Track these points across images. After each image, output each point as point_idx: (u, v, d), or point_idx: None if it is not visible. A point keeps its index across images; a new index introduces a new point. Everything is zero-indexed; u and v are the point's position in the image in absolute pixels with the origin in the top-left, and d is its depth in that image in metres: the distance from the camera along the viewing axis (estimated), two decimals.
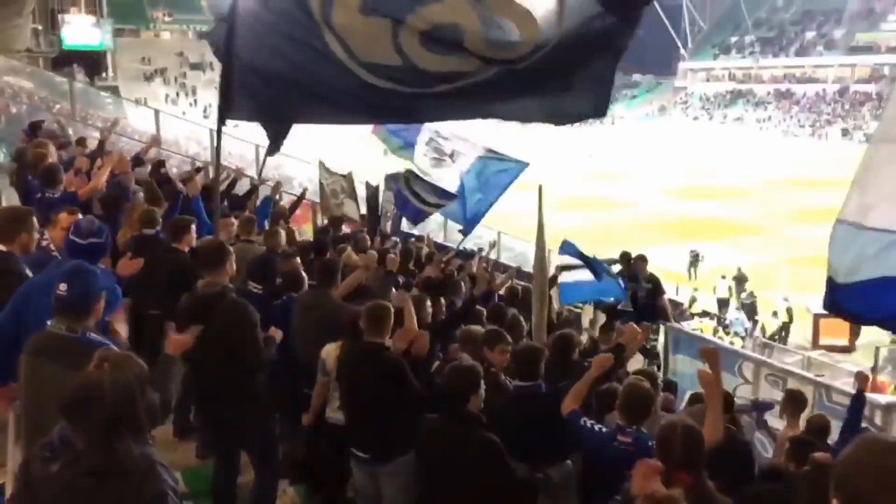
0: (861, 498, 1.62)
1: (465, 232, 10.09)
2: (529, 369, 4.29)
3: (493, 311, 6.34)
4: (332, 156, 13.94)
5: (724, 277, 20.82)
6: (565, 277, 9.29)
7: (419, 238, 11.90)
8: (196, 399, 4.75)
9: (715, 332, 16.08)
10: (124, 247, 5.50)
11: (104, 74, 67.46)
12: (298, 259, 6.07)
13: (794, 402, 5.82)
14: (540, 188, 6.86)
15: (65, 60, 50.09)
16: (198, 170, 10.04)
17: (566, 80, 4.29)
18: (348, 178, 11.29)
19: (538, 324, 6.70)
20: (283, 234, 6.71)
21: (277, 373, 4.58)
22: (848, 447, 1.71)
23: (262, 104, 4.80)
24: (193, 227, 5.53)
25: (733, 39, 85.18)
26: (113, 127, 10.23)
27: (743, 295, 19.91)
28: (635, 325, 5.34)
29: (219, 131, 5.19)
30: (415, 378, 4.03)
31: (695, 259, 22.94)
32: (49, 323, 3.00)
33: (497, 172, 9.35)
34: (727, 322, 18.29)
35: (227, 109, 4.84)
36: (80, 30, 53.47)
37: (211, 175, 6.79)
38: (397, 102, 4.62)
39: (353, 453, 4.21)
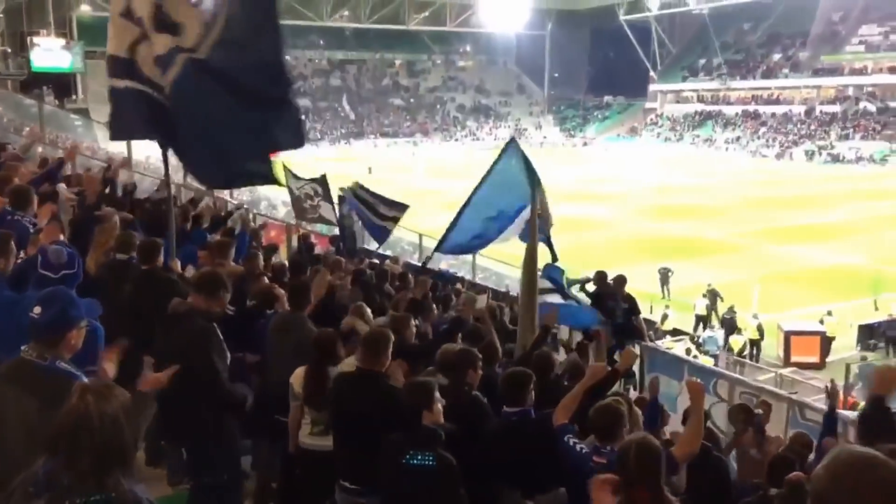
0: None
1: (444, 250, 9.79)
2: (518, 394, 4.26)
3: (470, 332, 6.31)
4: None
5: (704, 296, 21.01)
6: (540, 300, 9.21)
7: (390, 258, 11.87)
8: (162, 427, 4.66)
9: (688, 351, 16.17)
10: (97, 273, 5.41)
11: (74, 97, 66.89)
12: (267, 280, 6.03)
13: (744, 413, 6.03)
14: (533, 205, 6.88)
15: (34, 83, 49.66)
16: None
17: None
18: (322, 180, 11.12)
19: (524, 335, 6.70)
20: (260, 256, 6.66)
21: (256, 398, 4.53)
22: (822, 462, 1.71)
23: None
24: (163, 249, 5.43)
25: (701, 62, 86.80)
26: (74, 150, 10.02)
27: (723, 311, 20.06)
28: (632, 349, 5.36)
29: (164, 158, 5.43)
30: None
31: (665, 275, 23.10)
32: (23, 348, 2.90)
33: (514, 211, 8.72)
34: (700, 340, 18.43)
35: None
36: (49, 52, 53.06)
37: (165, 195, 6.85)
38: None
39: (340, 483, 4.15)
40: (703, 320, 20.39)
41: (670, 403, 7.43)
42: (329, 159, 48.92)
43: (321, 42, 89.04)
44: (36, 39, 52.46)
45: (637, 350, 9.53)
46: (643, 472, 2.93)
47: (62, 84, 59.81)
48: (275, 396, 4.74)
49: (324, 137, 74.90)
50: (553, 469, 3.94)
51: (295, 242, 11.09)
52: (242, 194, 13.82)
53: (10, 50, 42.16)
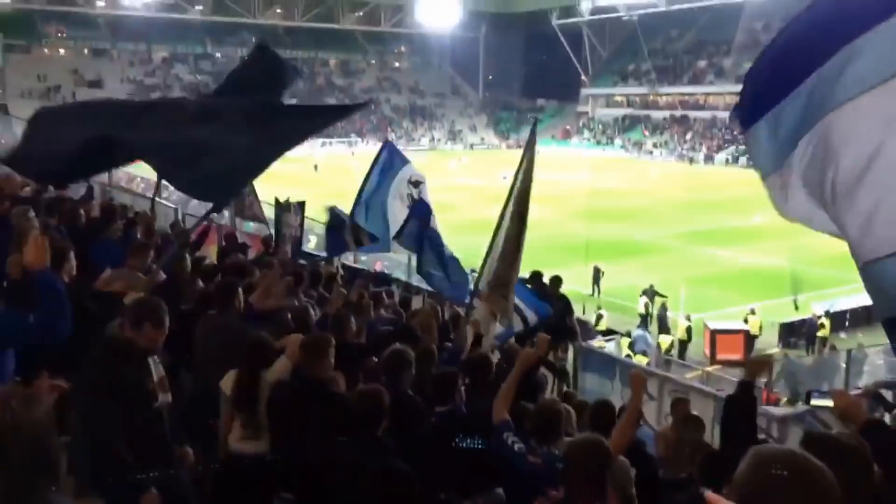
0: None
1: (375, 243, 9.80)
2: (446, 393, 4.27)
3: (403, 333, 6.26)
4: None
5: (642, 294, 21.49)
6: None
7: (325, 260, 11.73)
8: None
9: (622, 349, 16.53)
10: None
11: None
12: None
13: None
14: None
15: None
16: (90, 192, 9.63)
17: None
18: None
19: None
20: (188, 259, 6.47)
21: (190, 404, 4.41)
22: (742, 462, 1.71)
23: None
24: (72, 254, 5.19)
25: (631, 67, 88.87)
26: None
27: (656, 309, 20.56)
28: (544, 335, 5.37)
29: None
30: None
31: (596, 274, 23.59)
32: None
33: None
34: (632, 339, 18.82)
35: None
36: None
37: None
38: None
39: (280, 495, 4.07)
40: (643, 319, 20.78)
41: None
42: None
43: (252, 40, 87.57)
44: None
45: (570, 349, 9.70)
46: (588, 473, 2.97)
47: None
48: (202, 401, 4.63)
49: None
50: (485, 468, 3.95)
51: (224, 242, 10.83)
52: (173, 194, 13.44)
53: None
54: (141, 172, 18.86)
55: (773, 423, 7.10)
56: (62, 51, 79.96)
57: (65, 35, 79.92)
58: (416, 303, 9.96)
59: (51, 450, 2.07)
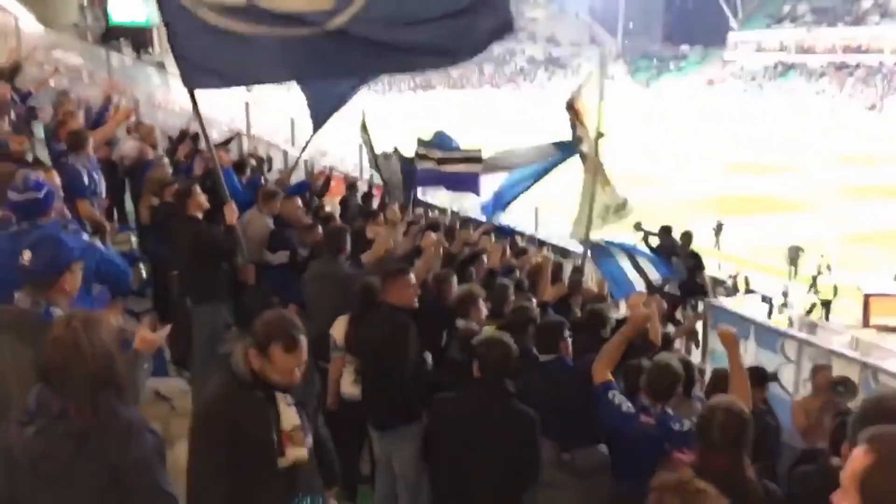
0: None
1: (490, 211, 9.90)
2: (551, 342, 4.12)
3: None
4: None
5: (822, 256, 20.21)
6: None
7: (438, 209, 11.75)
8: None
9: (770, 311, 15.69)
10: (148, 216, 5.47)
11: (150, 50, 68.33)
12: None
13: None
14: None
15: (112, 35, 50.76)
16: (228, 140, 10.03)
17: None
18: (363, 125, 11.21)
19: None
20: (298, 201, 6.57)
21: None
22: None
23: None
24: (197, 189, 5.39)
25: (786, 9, 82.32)
26: (112, 89, 9.80)
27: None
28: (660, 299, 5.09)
29: (193, 102, 4.97)
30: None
31: (718, 229, 22.77)
32: (16, 295, 2.80)
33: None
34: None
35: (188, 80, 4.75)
36: (127, 5, 54.10)
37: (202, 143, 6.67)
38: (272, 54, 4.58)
39: (370, 431, 4.12)
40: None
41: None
42: (395, 115, 48.35)
43: None
44: None
45: (700, 307, 9.24)
46: (727, 438, 2.80)
47: (139, 37, 61.08)
48: (316, 343, 4.71)
49: (391, 88, 74.58)
50: (590, 422, 3.78)
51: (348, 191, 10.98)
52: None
53: (86, 3, 43.14)
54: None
55: None
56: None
57: None
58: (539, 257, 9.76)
59: (112, 367, 2.14)
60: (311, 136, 8.32)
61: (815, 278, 18.86)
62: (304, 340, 2.58)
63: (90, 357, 2.09)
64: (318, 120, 7.79)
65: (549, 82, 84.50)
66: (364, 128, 11.32)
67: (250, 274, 5.21)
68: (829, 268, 19.22)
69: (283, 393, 2.60)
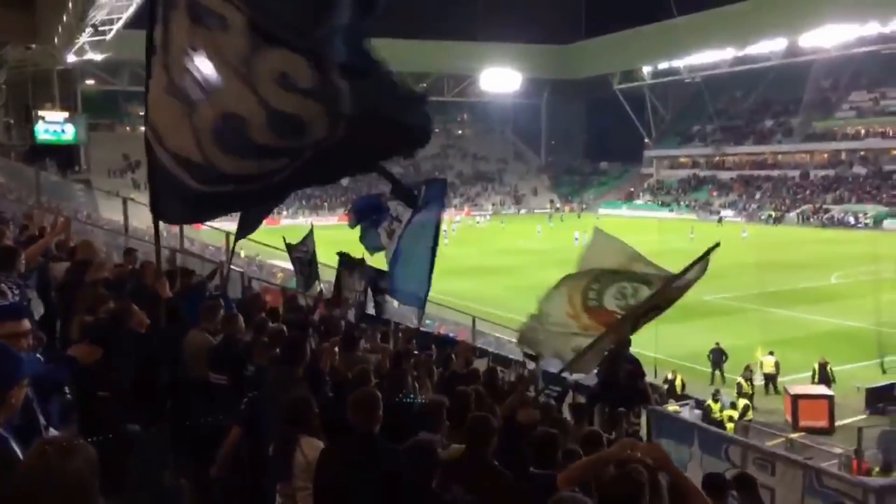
0: None
1: (421, 302, 9.80)
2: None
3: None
4: None
5: (708, 357, 20.66)
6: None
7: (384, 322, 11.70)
8: None
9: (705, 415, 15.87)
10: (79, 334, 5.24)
11: (77, 168, 67.70)
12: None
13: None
14: None
15: (37, 154, 50.34)
16: (213, 273, 9.79)
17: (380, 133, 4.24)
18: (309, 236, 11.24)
19: None
20: (241, 319, 6.42)
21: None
22: None
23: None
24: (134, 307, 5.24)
25: (695, 128, 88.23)
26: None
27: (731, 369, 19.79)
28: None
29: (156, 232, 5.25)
30: None
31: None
32: None
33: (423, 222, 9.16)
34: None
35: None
36: (53, 125, 53.93)
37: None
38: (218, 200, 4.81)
39: None
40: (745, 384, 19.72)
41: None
42: (331, 227, 48.69)
43: None
44: (41, 112, 53.40)
45: (643, 414, 9.27)
46: None
47: (66, 155, 60.63)
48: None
49: (324, 205, 75.45)
50: None
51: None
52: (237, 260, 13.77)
53: (13, 122, 42.94)
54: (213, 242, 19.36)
55: (870, 496, 6.53)
56: (142, 128, 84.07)
57: (144, 113, 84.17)
58: (480, 365, 9.73)
59: (90, 501, 1.98)
60: (234, 245, 8.56)
61: (741, 381, 19.26)
62: None
63: (60, 493, 1.92)
64: (244, 230, 8.06)
65: (477, 196, 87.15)
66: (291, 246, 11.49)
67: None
68: (751, 370, 19.69)
69: None
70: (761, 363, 20.59)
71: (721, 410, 16.61)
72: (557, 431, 4.75)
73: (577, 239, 45.25)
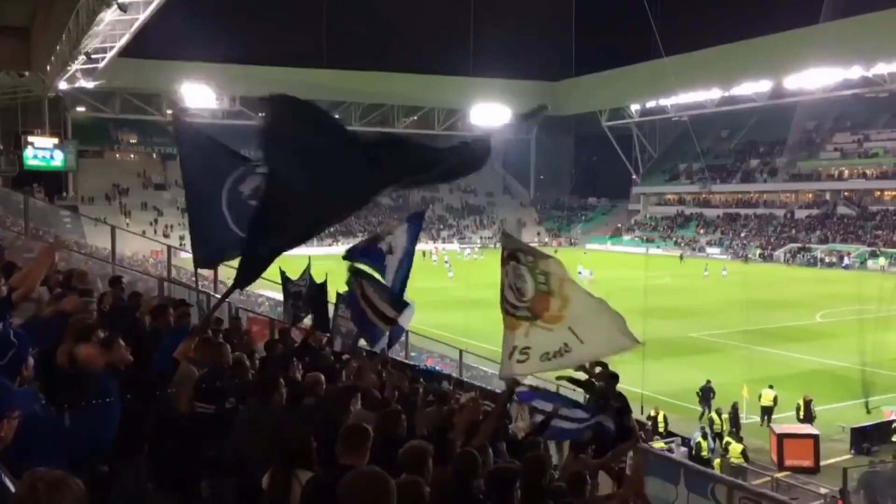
0: None
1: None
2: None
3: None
4: None
5: (697, 394, 20.67)
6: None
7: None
8: None
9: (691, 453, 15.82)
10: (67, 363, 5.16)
11: (65, 194, 67.60)
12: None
13: None
14: None
15: (25, 180, 50.26)
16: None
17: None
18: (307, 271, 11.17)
19: None
20: (227, 347, 6.38)
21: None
22: None
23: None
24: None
25: (682, 166, 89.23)
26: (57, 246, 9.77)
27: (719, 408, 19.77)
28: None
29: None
30: None
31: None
32: None
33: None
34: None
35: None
36: (42, 150, 53.88)
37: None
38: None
39: None
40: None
41: None
42: (317, 256, 48.56)
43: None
44: (30, 138, 53.38)
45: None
46: None
47: (54, 181, 60.54)
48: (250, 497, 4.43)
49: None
50: None
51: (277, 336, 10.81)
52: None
53: (2, 147, 42.97)
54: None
55: None
56: (132, 156, 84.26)
57: (135, 141, 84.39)
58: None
59: None
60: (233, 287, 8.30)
61: (728, 419, 19.27)
62: None
63: None
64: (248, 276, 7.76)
65: (466, 229, 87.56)
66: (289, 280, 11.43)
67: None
68: (737, 409, 19.71)
69: None
70: (760, 395, 20.57)
71: (710, 450, 16.59)
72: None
73: (581, 273, 45.40)
